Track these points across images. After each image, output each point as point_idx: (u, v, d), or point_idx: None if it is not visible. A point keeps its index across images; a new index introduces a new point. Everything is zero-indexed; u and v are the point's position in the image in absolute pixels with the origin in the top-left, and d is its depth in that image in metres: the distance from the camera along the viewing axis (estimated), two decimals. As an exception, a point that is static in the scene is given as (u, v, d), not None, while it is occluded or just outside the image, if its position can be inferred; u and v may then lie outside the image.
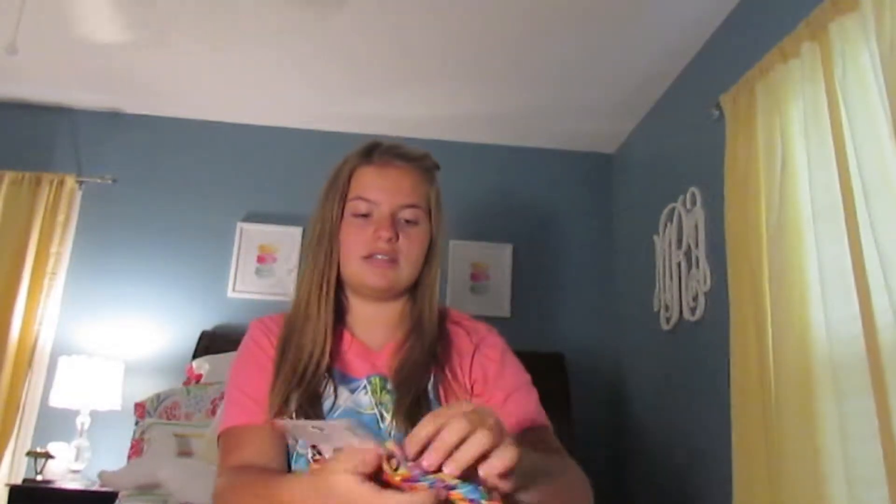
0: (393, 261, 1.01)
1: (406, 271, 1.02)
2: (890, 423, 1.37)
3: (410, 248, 1.02)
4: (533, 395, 1.03)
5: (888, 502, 1.36)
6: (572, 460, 0.93)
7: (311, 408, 0.94)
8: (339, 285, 1.05)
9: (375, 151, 1.06)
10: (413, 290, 1.07)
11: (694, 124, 2.58)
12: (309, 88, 3.12)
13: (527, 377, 1.05)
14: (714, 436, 2.21)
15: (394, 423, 0.94)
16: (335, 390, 0.98)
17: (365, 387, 0.98)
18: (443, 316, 1.07)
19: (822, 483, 1.58)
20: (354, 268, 1.02)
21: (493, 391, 1.00)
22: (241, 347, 1.05)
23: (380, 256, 1.00)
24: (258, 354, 1.01)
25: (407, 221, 1.02)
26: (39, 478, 2.68)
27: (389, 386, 0.98)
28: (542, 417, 1.00)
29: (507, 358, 1.05)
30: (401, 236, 1.01)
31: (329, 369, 0.99)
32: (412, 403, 0.94)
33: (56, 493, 2.62)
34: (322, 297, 1.02)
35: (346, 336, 1.05)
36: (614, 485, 3.09)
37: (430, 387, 0.98)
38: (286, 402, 0.94)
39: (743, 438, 1.89)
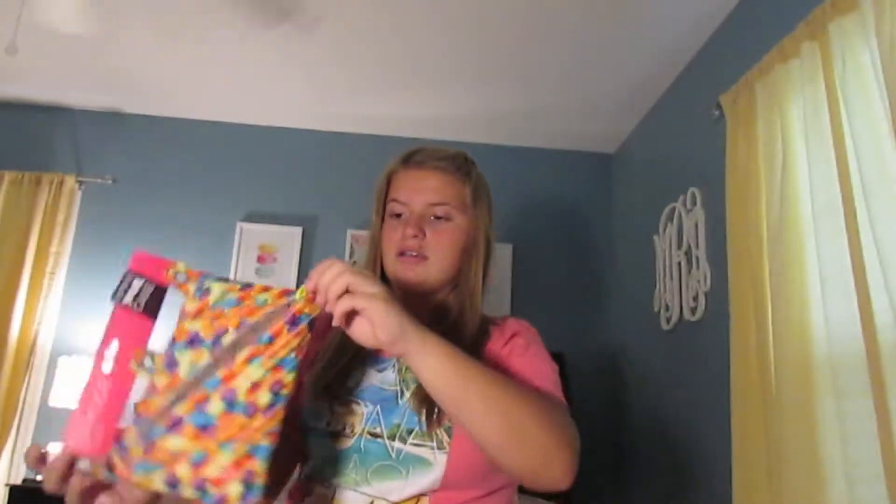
0: (422, 257, 1.04)
1: (436, 266, 1.04)
2: (889, 423, 1.37)
3: (440, 243, 1.04)
4: (546, 367, 0.99)
5: (887, 500, 1.36)
6: (563, 410, 0.88)
7: (338, 385, 1.00)
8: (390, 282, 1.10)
9: (411, 156, 1.10)
10: (456, 284, 1.09)
11: (694, 124, 2.59)
12: (309, 88, 3.12)
13: (550, 365, 1.02)
14: (714, 435, 2.21)
15: (411, 402, 0.96)
16: (364, 371, 1.03)
17: (394, 365, 1.01)
18: (490, 320, 1.08)
19: (822, 482, 1.58)
20: (391, 266, 1.06)
21: (510, 359, 1.00)
22: None
23: (409, 253, 1.04)
24: None
25: (437, 218, 1.06)
26: (39, 478, 2.68)
27: None
28: (546, 384, 0.96)
29: (533, 344, 1.04)
30: (430, 233, 1.04)
31: (363, 355, 1.03)
32: None
33: (56, 493, 2.62)
34: None
35: None
36: (614, 484, 3.10)
37: None
38: (318, 380, 1.02)
39: (743, 438, 1.89)
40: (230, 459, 0.69)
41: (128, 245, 3.23)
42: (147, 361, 0.75)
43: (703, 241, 2.44)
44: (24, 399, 2.96)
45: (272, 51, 2.80)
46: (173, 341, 0.75)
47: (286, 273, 3.25)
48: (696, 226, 2.48)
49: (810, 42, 1.77)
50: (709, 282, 2.38)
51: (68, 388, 2.81)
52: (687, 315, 2.51)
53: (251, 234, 3.30)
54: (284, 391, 0.73)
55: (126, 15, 2.59)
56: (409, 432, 0.93)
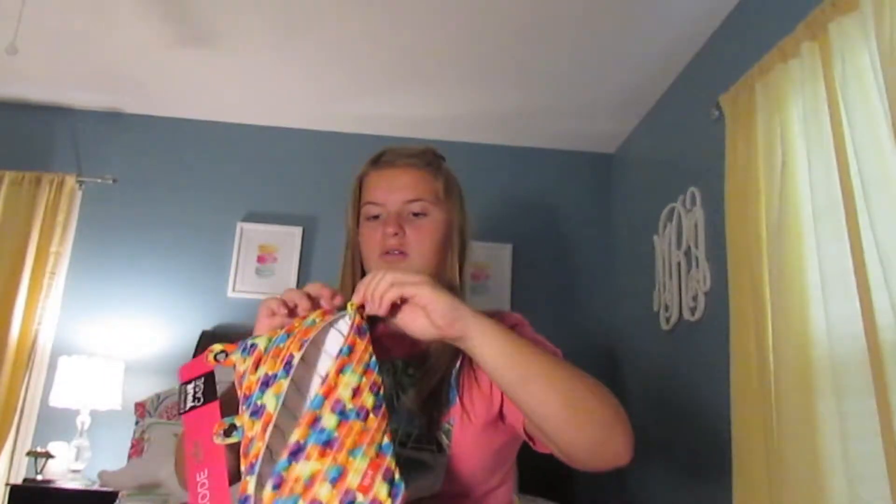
0: (404, 254, 1.04)
1: (417, 262, 1.04)
2: (890, 422, 1.37)
3: (420, 239, 1.05)
4: (560, 354, 1.00)
5: (887, 500, 1.36)
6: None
7: None
8: None
9: (380, 157, 1.11)
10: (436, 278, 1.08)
11: (694, 124, 2.59)
12: (309, 88, 3.12)
13: (549, 347, 1.02)
14: (714, 435, 2.21)
15: (406, 405, 0.95)
16: None
17: (388, 369, 1.01)
18: (486, 313, 1.07)
19: (822, 482, 1.58)
20: (374, 267, 1.05)
21: None
22: None
23: (393, 252, 1.04)
24: None
25: (415, 214, 1.06)
26: (39, 477, 2.68)
27: (411, 370, 0.99)
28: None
29: (537, 335, 1.07)
30: (409, 229, 1.05)
31: None
32: (432, 389, 0.96)
33: (56, 493, 2.62)
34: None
35: (381, 328, 1.06)
36: (615, 484, 3.10)
37: (453, 374, 0.99)
38: None
39: (743, 438, 1.89)
40: (366, 463, 0.67)
41: (128, 245, 3.24)
42: (229, 429, 0.71)
43: (702, 241, 2.44)
44: (24, 399, 2.96)
45: (272, 51, 2.80)
46: (245, 398, 0.72)
47: (286, 273, 3.25)
48: (696, 226, 2.49)
49: (810, 42, 1.77)
50: (708, 282, 2.38)
51: (68, 387, 2.81)
52: (687, 315, 2.51)
53: (251, 234, 3.30)
54: (382, 391, 0.73)
55: (126, 15, 2.59)
56: (409, 436, 0.93)
